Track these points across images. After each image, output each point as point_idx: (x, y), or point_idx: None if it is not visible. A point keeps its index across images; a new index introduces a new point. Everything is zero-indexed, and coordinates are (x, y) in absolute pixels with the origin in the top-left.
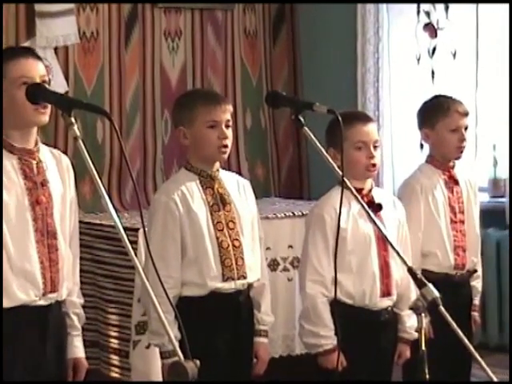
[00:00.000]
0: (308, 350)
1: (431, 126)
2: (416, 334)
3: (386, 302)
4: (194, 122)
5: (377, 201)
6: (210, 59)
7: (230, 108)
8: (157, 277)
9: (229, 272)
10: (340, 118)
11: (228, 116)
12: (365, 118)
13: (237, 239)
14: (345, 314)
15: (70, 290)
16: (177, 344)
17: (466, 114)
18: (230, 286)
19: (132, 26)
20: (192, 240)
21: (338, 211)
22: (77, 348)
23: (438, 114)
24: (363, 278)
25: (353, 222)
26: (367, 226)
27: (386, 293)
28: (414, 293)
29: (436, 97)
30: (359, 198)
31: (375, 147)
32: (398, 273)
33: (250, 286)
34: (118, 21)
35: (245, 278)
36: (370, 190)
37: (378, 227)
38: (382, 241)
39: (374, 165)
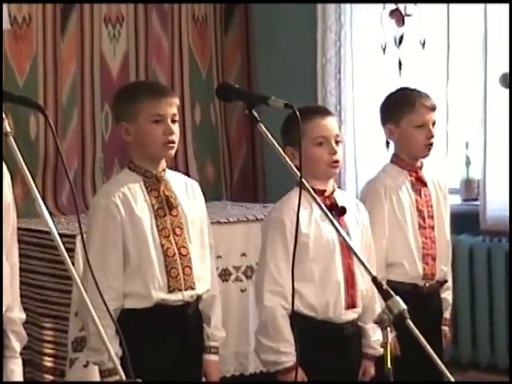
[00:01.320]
0: (266, 367)
1: (396, 121)
2: (382, 350)
3: (351, 315)
4: (137, 116)
5: (340, 204)
6: (155, 48)
7: (176, 101)
8: (96, 288)
9: (175, 282)
10: (299, 113)
11: (174, 110)
12: (324, 112)
13: (184, 247)
14: (306, 328)
15: (7, 305)
16: (118, 361)
17: (433, 109)
18: (176, 298)
19: (69, 11)
20: (135, 247)
21: (301, 214)
22: (13, 372)
23: (402, 109)
24: (327, 289)
25: (315, 227)
26: (331, 230)
27: (351, 304)
28: (378, 304)
29: (400, 90)
30: (318, 200)
31: (337, 142)
32: (363, 283)
33: (198, 297)
34: (53, 5)
35: (193, 289)
36: (333, 192)
37: (340, 233)
38: (347, 247)
39: (336, 161)
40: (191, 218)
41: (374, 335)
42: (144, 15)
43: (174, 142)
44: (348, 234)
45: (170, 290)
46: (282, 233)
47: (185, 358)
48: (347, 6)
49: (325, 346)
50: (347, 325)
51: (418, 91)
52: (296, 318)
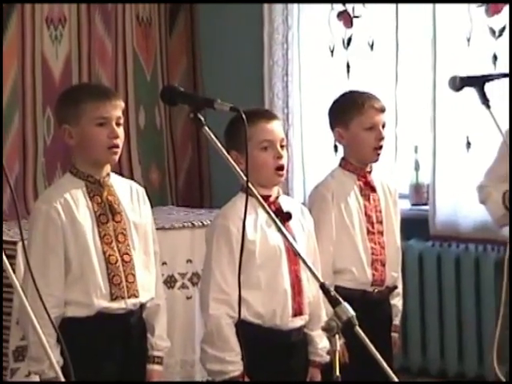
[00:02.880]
0: (212, 377)
1: (345, 124)
2: (328, 357)
3: (298, 322)
4: (80, 119)
5: (285, 209)
6: (98, 50)
7: (121, 104)
8: (37, 295)
9: (118, 290)
10: (245, 117)
11: (119, 113)
12: (268, 115)
13: (127, 253)
14: (252, 336)
15: None
16: (59, 370)
17: (382, 110)
18: (119, 306)
19: (9, 11)
20: (76, 254)
21: (246, 221)
22: None
23: (351, 111)
24: (273, 296)
25: (261, 233)
26: (277, 237)
27: (298, 312)
28: (324, 311)
29: (348, 92)
30: (266, 205)
31: (282, 147)
32: (310, 289)
33: (142, 306)
34: None
35: (136, 296)
36: (277, 198)
37: (288, 239)
38: (293, 253)
39: (282, 166)
40: (135, 224)
41: (321, 342)
42: (87, 16)
43: (118, 146)
44: (294, 239)
45: (113, 298)
46: (228, 240)
47: (128, 367)
48: (294, 8)
49: (271, 353)
50: (294, 332)
51: (367, 93)
52: (242, 327)
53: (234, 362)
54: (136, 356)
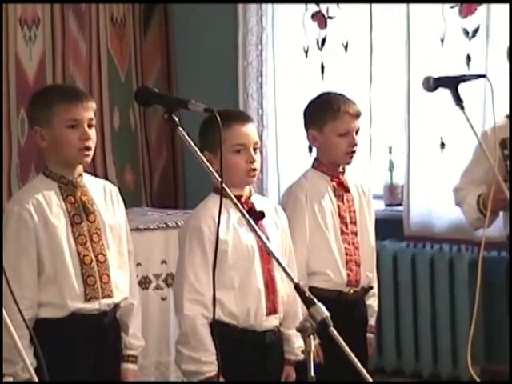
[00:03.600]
0: (187, 378)
1: (319, 127)
2: (303, 355)
3: (273, 321)
4: (52, 121)
5: (258, 208)
6: (72, 51)
7: (93, 105)
8: (11, 297)
9: (92, 291)
10: (219, 118)
11: (91, 114)
12: (243, 118)
13: (101, 253)
14: (227, 336)
15: None
16: (33, 372)
17: (357, 116)
18: (93, 307)
19: None
20: (49, 256)
21: (217, 221)
22: None
23: (326, 115)
24: (247, 296)
25: (233, 233)
26: (249, 236)
27: (273, 310)
28: (300, 309)
29: (325, 94)
30: (240, 206)
31: (255, 150)
32: (284, 288)
33: (116, 306)
34: None
35: (110, 297)
36: (249, 197)
37: (261, 239)
38: (267, 253)
39: (254, 169)
40: (109, 224)
41: (297, 341)
42: (61, 17)
43: (90, 149)
44: (267, 238)
45: (87, 299)
46: (200, 240)
47: (102, 367)
48: (269, 9)
49: (247, 353)
50: (269, 332)
51: (343, 97)
52: (217, 327)
53: (209, 363)
54: (110, 356)
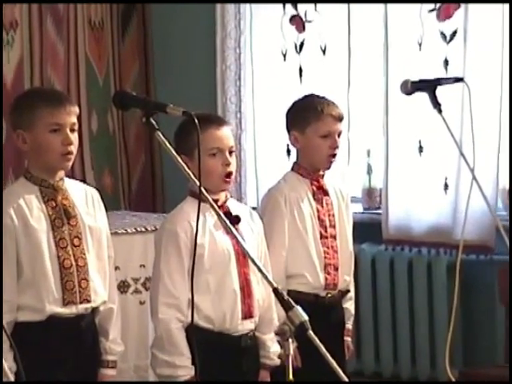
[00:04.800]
0: (163, 381)
1: (301, 129)
2: (279, 361)
3: (249, 325)
4: (35, 125)
5: (233, 213)
6: (51, 54)
7: (75, 110)
8: None
9: (70, 295)
10: (197, 122)
11: (73, 119)
12: (219, 122)
13: (82, 258)
14: (203, 341)
15: None
16: (12, 376)
17: (340, 119)
18: (70, 311)
19: None
20: (29, 259)
21: (194, 225)
22: None
23: (309, 117)
24: (222, 299)
25: (209, 237)
26: (225, 240)
27: (248, 314)
28: (276, 314)
29: (309, 96)
30: (217, 208)
31: (231, 153)
32: (260, 292)
33: (94, 310)
34: None
35: (88, 301)
36: (225, 201)
37: (239, 242)
38: (243, 256)
39: (230, 173)
40: (90, 228)
41: (273, 346)
42: (38, 21)
43: (71, 153)
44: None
45: (65, 304)
46: (176, 244)
47: (80, 371)
48: (247, 12)
49: (222, 357)
50: (244, 336)
51: (327, 100)
52: (193, 331)
53: (183, 367)
54: (87, 360)
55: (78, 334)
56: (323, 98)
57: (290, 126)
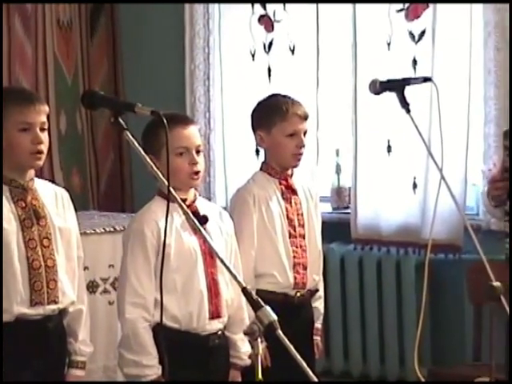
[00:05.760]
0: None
1: (267, 129)
2: (249, 360)
3: (217, 325)
4: (4, 124)
5: (202, 212)
6: (19, 54)
7: (45, 109)
8: None
9: (38, 296)
10: (166, 121)
11: (43, 118)
12: (185, 121)
13: (51, 258)
14: (170, 340)
15: None
16: None
17: (305, 118)
18: (37, 312)
19: None
20: None
21: (161, 225)
22: None
23: (274, 116)
24: (189, 299)
25: (176, 237)
26: (192, 240)
27: (216, 314)
28: (246, 313)
29: (273, 96)
30: (185, 207)
31: (198, 152)
32: (228, 292)
33: (62, 311)
34: None
35: (56, 302)
36: (194, 201)
37: (209, 242)
38: (210, 256)
39: (197, 172)
40: (60, 229)
41: (243, 346)
42: (6, 20)
43: (42, 152)
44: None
45: (32, 305)
46: (143, 244)
47: (48, 372)
48: (216, 12)
49: (189, 356)
50: (212, 336)
51: (291, 99)
52: (160, 330)
53: (150, 366)
54: (54, 361)
55: (45, 335)
56: (288, 97)
57: (255, 126)
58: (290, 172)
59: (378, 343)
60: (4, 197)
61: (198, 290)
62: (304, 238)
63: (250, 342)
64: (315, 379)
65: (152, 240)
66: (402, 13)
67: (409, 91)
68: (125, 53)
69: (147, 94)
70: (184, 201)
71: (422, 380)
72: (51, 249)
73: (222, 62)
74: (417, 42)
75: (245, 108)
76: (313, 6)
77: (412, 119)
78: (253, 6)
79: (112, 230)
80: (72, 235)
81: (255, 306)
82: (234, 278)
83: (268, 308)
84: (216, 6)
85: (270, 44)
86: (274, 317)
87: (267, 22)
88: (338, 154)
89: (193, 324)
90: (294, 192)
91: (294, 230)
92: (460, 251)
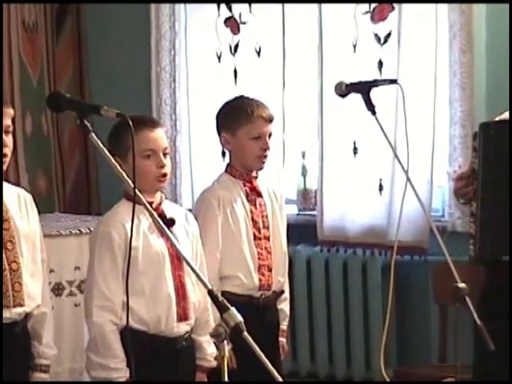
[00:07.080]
0: None
1: (232, 131)
2: (216, 362)
3: (184, 327)
4: None
5: (168, 215)
6: None
7: (10, 111)
8: None
9: (4, 299)
10: (131, 123)
11: (8, 121)
12: (152, 123)
13: (15, 261)
14: (138, 343)
15: None
16: None
17: (270, 120)
18: (4, 316)
19: None
20: None
21: (128, 227)
22: None
23: (239, 119)
24: (157, 302)
25: (144, 239)
26: (160, 242)
27: (183, 317)
28: (212, 315)
29: (239, 98)
30: (152, 211)
31: (165, 155)
32: (195, 294)
33: (27, 315)
34: None
35: (22, 306)
36: (160, 204)
37: (175, 245)
38: (177, 259)
39: (164, 175)
40: (24, 232)
41: (209, 348)
42: None
43: (7, 156)
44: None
45: None
46: (110, 246)
47: (10, 376)
48: (181, 14)
49: (157, 359)
50: (179, 338)
51: (256, 101)
52: (128, 333)
53: (118, 369)
54: (19, 365)
55: (11, 341)
56: (253, 99)
57: (220, 129)
58: (254, 174)
59: (344, 344)
60: None
61: (166, 292)
62: (269, 240)
63: (215, 343)
64: (281, 380)
65: (119, 243)
66: (368, 15)
67: (375, 93)
68: (91, 54)
69: (113, 95)
70: (150, 203)
71: (388, 380)
72: (15, 252)
73: (188, 64)
74: (382, 44)
75: (211, 110)
76: (279, 8)
77: (378, 121)
78: (219, 8)
79: (78, 232)
80: (36, 238)
81: (221, 308)
82: (200, 280)
83: (234, 310)
84: (182, 8)
85: (236, 46)
86: (240, 319)
87: (233, 24)
88: (303, 156)
89: (161, 327)
90: (259, 194)
91: (259, 232)
92: (426, 253)
